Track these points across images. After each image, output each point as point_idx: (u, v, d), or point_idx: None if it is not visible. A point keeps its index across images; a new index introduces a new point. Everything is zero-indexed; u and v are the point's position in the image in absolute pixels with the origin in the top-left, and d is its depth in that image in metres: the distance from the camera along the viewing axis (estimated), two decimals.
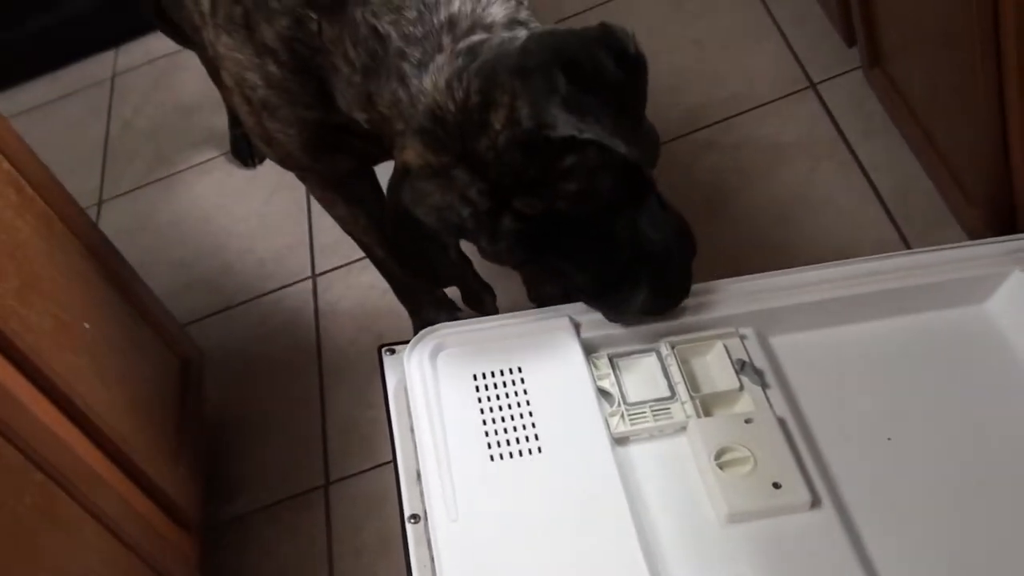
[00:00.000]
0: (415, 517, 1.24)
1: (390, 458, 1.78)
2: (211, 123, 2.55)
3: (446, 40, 1.24)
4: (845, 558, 1.16)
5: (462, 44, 1.23)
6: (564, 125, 1.17)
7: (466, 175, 1.23)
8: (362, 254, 2.00)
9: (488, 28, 1.26)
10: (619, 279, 1.32)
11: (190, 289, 2.22)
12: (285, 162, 1.50)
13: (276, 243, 2.25)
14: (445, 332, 1.38)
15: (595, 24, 1.23)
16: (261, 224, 2.30)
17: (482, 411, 1.30)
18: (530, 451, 1.27)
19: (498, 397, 1.32)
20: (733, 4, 2.26)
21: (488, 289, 1.39)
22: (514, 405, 1.31)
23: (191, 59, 2.59)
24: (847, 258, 1.46)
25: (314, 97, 1.36)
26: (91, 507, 1.39)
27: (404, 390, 1.34)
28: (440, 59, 1.23)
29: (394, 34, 1.25)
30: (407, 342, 1.39)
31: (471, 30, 1.25)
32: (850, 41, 1.88)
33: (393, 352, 1.40)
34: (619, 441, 1.29)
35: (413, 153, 1.24)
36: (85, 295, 1.60)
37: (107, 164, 2.64)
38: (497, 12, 1.27)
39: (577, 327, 1.38)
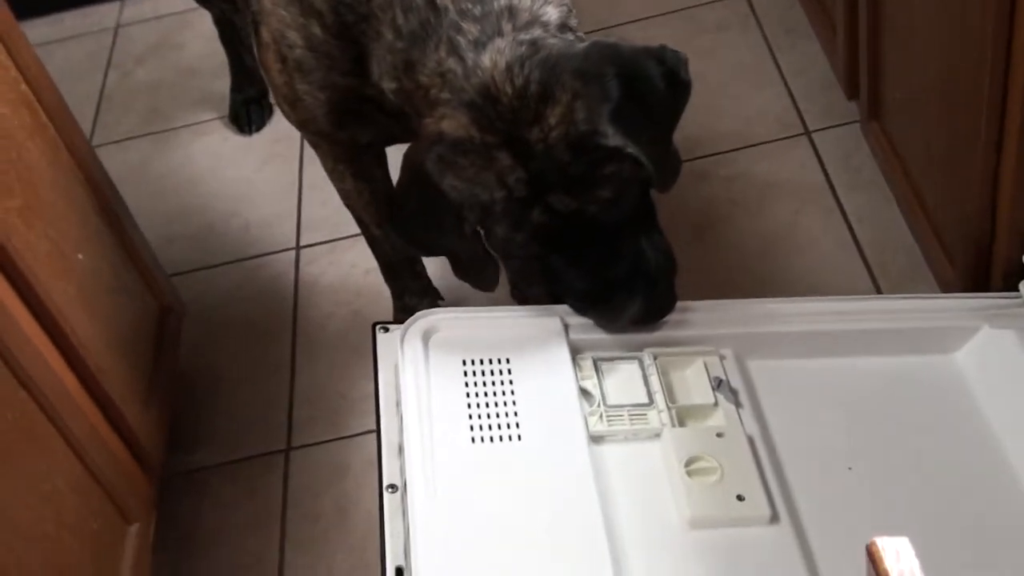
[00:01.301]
0: (393, 487, 1.27)
1: (353, 432, 1.83)
2: (212, 86, 2.56)
3: (507, 27, 1.29)
4: (797, 574, 1.21)
5: (524, 35, 1.28)
6: (615, 136, 1.23)
7: (509, 159, 1.27)
8: (348, 232, 2.03)
9: (545, 26, 1.31)
10: (614, 289, 1.38)
11: (172, 243, 2.22)
12: (306, 125, 1.52)
13: (263, 211, 2.26)
14: (440, 317, 1.42)
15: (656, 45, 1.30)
16: (251, 190, 2.31)
17: (468, 395, 1.34)
18: (510, 437, 1.30)
19: (484, 384, 1.35)
20: (740, 46, 2.32)
21: (494, 261, 1.42)
22: (499, 393, 1.35)
23: (199, 22, 2.61)
24: None
25: (351, 64, 1.39)
26: (64, 430, 1.40)
27: (394, 367, 1.37)
28: (500, 42, 1.27)
29: (452, 8, 1.29)
30: (399, 322, 1.43)
31: (531, 24, 1.30)
32: (851, 94, 1.94)
33: (387, 330, 1.44)
34: (595, 439, 1.33)
35: (455, 124, 1.27)
36: (82, 227, 1.62)
37: (101, 112, 2.63)
38: (552, 13, 1.33)
39: (566, 328, 1.42)
